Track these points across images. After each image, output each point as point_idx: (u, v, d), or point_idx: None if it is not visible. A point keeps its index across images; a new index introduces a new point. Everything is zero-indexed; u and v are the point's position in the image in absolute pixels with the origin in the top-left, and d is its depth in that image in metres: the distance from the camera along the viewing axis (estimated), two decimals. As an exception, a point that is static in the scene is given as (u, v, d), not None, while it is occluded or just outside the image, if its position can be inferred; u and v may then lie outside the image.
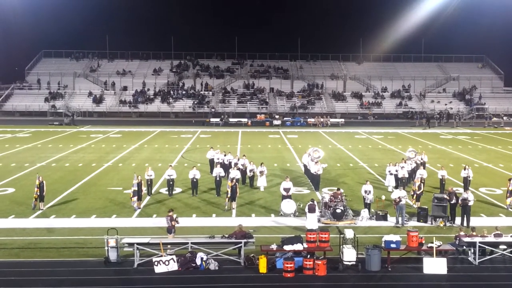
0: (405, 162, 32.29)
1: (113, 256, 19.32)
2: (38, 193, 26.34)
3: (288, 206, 25.93)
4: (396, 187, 29.36)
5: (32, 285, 17.53)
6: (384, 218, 24.94)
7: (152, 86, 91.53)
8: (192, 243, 19.60)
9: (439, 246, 19.45)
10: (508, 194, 27.45)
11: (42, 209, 26.44)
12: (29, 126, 67.43)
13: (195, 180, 29.85)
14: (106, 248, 19.42)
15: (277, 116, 78.75)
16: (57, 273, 18.47)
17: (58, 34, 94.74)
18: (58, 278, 18.08)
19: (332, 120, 76.47)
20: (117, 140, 55.31)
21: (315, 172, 31.53)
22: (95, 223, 24.64)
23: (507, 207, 27.35)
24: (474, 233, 20.58)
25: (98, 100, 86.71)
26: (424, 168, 32.31)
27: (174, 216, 21.71)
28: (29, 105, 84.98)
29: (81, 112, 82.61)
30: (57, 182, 32.81)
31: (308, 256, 18.93)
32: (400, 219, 24.55)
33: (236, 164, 32.17)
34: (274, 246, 19.45)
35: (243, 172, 32.15)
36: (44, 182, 26.69)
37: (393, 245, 19.19)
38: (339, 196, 25.36)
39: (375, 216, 25.11)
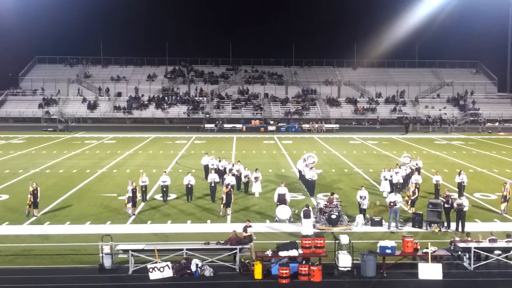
0: (399, 168, 32.35)
1: (107, 262, 19.24)
2: (32, 200, 26.23)
3: (283, 212, 25.89)
4: (391, 193, 29.33)
5: (26, 293, 17.47)
6: (379, 223, 24.95)
7: (146, 92, 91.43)
8: (187, 249, 19.55)
9: (434, 251, 19.49)
10: (502, 200, 27.53)
11: (36, 216, 26.33)
12: (23, 133, 67.23)
13: (190, 186, 29.79)
14: (100, 254, 19.34)
15: (271, 122, 78.79)
16: (52, 280, 18.38)
17: (52, 40, 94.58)
18: (53, 285, 18.01)
19: (326, 125, 76.53)
20: (111, 146, 55.19)
21: (310, 178, 31.53)
22: (89, 229, 24.55)
23: (501, 212, 27.41)
24: (469, 239, 20.60)
25: (92, 106, 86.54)
26: (419, 174, 32.27)
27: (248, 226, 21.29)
28: (23, 111, 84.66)
29: (75, 118, 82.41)
30: (51, 189, 32.69)
31: (304, 262, 18.92)
32: (394, 223, 24.62)
33: (231, 170, 32.13)
34: (269, 252, 19.42)
35: (238, 178, 32.11)
36: (38, 188, 26.60)
37: (388, 251, 19.21)
38: (334, 202, 25.38)
39: (370, 222, 25.12)
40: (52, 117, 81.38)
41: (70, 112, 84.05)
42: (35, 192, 26.28)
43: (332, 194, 26.67)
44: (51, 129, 72.14)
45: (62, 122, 77.00)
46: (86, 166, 41.76)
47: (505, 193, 27.22)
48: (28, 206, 26.36)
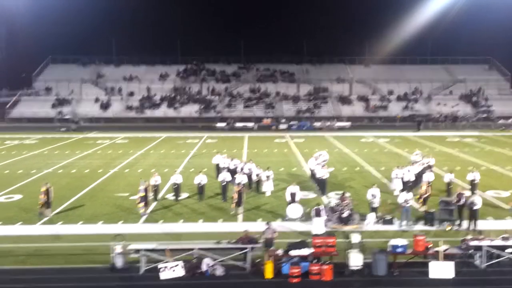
0: (411, 166, 32.20)
1: (119, 262, 19.36)
2: (45, 200, 26.37)
3: (295, 210, 25.94)
4: (402, 191, 29.20)
5: (39, 292, 17.61)
6: (391, 222, 24.89)
7: (158, 91, 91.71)
8: (198, 248, 19.61)
9: (446, 250, 19.37)
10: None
11: (49, 216, 26.51)
12: (36, 133, 67.66)
13: (201, 185, 29.88)
14: (112, 254, 19.47)
15: (283, 120, 78.74)
16: (64, 280, 18.52)
17: (65, 40, 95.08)
18: (65, 285, 18.15)
19: (338, 123, 76.35)
20: (123, 146, 55.43)
21: (321, 176, 31.49)
22: (101, 229, 24.68)
23: (510, 210, 27.24)
24: (481, 237, 20.47)
25: (105, 106, 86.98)
26: (430, 171, 32.21)
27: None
28: (36, 112, 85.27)
29: (88, 118, 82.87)
30: (64, 189, 32.89)
31: (315, 261, 18.93)
32: (405, 222, 24.53)
33: (242, 169, 32.21)
34: (280, 251, 19.43)
35: (250, 177, 32.13)
36: (51, 188, 26.79)
37: (399, 249, 19.17)
38: (346, 200, 25.35)
39: (381, 220, 25.06)
40: (65, 117, 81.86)
41: (83, 112, 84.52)
42: (48, 192, 26.45)
43: (344, 193, 26.61)
44: (64, 129, 72.53)
45: (74, 122, 77.41)
46: (98, 166, 41.98)
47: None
48: (40, 206, 26.49)
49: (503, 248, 19.91)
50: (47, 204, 26.58)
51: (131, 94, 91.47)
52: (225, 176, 30.49)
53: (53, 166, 41.63)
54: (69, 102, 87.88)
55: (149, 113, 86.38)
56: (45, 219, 26.18)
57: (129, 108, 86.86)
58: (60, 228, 24.83)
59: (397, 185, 31.12)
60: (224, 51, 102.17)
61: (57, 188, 30.63)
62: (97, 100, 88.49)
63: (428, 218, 24.93)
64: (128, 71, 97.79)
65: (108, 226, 25.15)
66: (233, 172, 32.72)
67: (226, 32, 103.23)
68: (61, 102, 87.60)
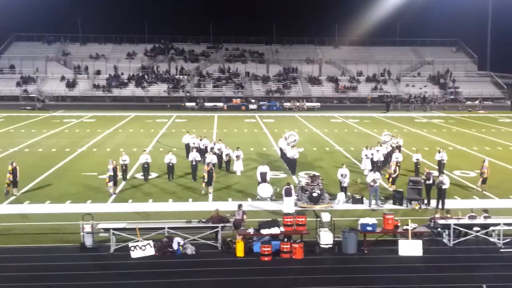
0: (380, 146, 32.49)
1: (88, 241, 19.16)
2: (11, 179, 25.92)
3: (265, 190, 25.98)
4: (371, 171, 29.47)
5: (7, 272, 17.27)
6: (360, 201, 25.13)
7: (126, 70, 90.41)
8: (168, 228, 19.50)
9: (414, 228, 19.67)
10: (480, 178, 27.91)
11: (15, 195, 26.06)
12: (1, 111, 66.20)
13: (171, 164, 29.71)
14: (81, 233, 19.24)
15: (253, 101, 78.54)
16: (32, 259, 18.26)
17: (30, 17, 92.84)
18: (33, 264, 17.86)
19: (308, 104, 76.56)
20: (91, 125, 54.69)
21: (291, 156, 31.55)
22: (70, 208, 24.38)
23: (476, 188, 27.77)
24: (449, 215, 20.81)
25: (71, 85, 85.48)
26: (399, 152, 32.52)
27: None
28: (1, 90, 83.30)
29: (54, 97, 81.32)
30: (30, 168, 32.28)
31: (285, 239, 19.00)
32: (374, 201, 24.79)
33: (212, 148, 32.12)
34: (251, 230, 19.46)
35: (219, 156, 32.07)
36: (17, 167, 26.29)
37: (369, 228, 19.39)
38: (316, 180, 25.47)
39: (351, 200, 25.29)
40: (30, 95, 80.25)
41: (48, 90, 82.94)
42: (14, 171, 25.98)
43: (315, 175, 26.71)
44: (30, 107, 71.20)
45: (40, 101, 75.99)
46: (65, 145, 41.34)
47: (483, 170, 27.53)
48: (6, 185, 26.05)
49: (469, 226, 20.29)
50: (13, 183, 26.12)
51: (98, 72, 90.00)
52: (194, 155, 30.38)
53: (19, 145, 40.85)
54: (34, 80, 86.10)
55: (116, 92, 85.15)
56: (12, 198, 25.72)
57: (96, 87, 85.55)
58: (27, 207, 24.44)
59: (366, 165, 31.38)
60: (193, 30, 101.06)
61: (23, 167, 30.01)
62: (63, 78, 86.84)
63: (396, 197, 25.25)
64: (95, 49, 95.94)
65: (76, 205, 24.84)
66: (203, 151, 32.61)
67: (195, 11, 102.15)
68: (25, 80, 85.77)
